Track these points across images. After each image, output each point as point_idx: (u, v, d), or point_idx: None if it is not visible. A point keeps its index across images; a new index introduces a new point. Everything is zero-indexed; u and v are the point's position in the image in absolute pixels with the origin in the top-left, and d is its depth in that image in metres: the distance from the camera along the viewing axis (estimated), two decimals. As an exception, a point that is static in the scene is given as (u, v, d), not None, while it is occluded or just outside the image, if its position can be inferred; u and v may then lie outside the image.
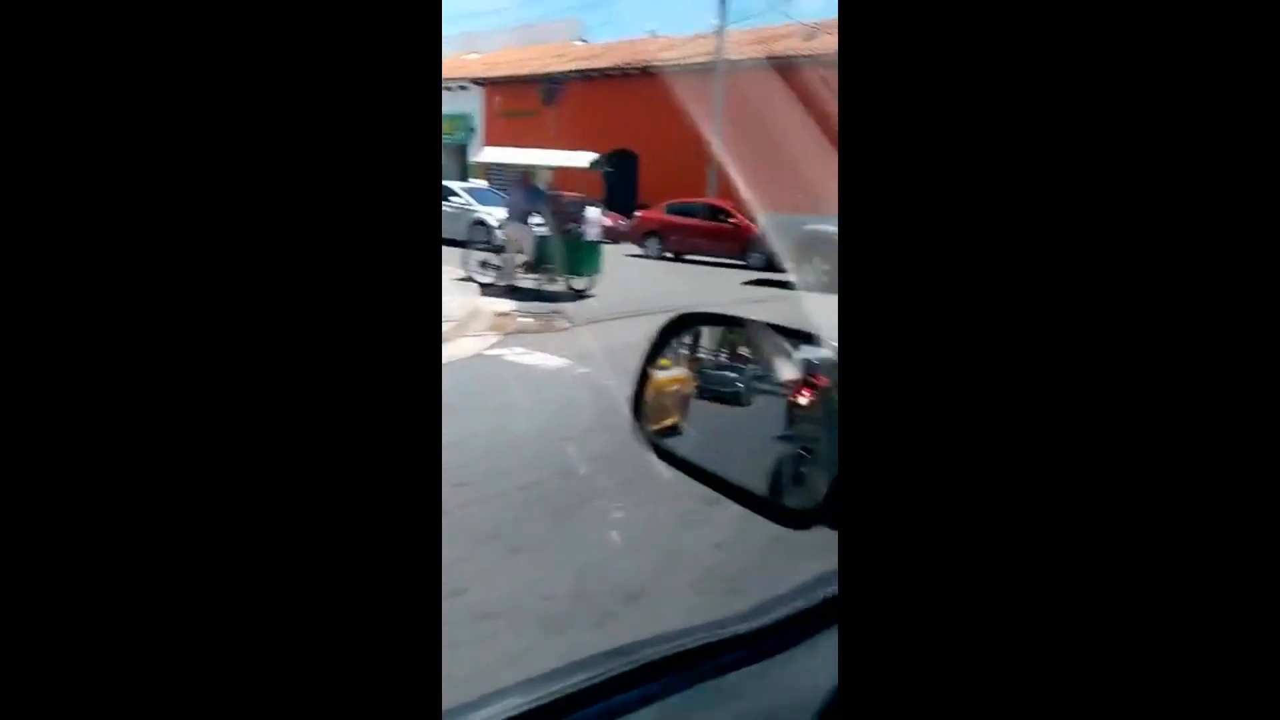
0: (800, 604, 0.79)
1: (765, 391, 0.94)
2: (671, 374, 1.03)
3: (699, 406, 1.03)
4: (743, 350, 1.03)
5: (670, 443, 0.99)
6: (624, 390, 1.07)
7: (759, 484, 0.83)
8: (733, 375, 1.03)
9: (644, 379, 1.02)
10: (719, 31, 11.48)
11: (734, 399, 1.01)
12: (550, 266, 9.89)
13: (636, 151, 14.07)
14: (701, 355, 1.06)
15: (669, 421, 1.02)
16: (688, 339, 1.07)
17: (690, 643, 0.72)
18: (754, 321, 0.97)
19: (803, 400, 0.84)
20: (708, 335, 1.06)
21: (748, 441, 0.91)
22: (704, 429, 1.00)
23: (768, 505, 0.80)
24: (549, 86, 15.60)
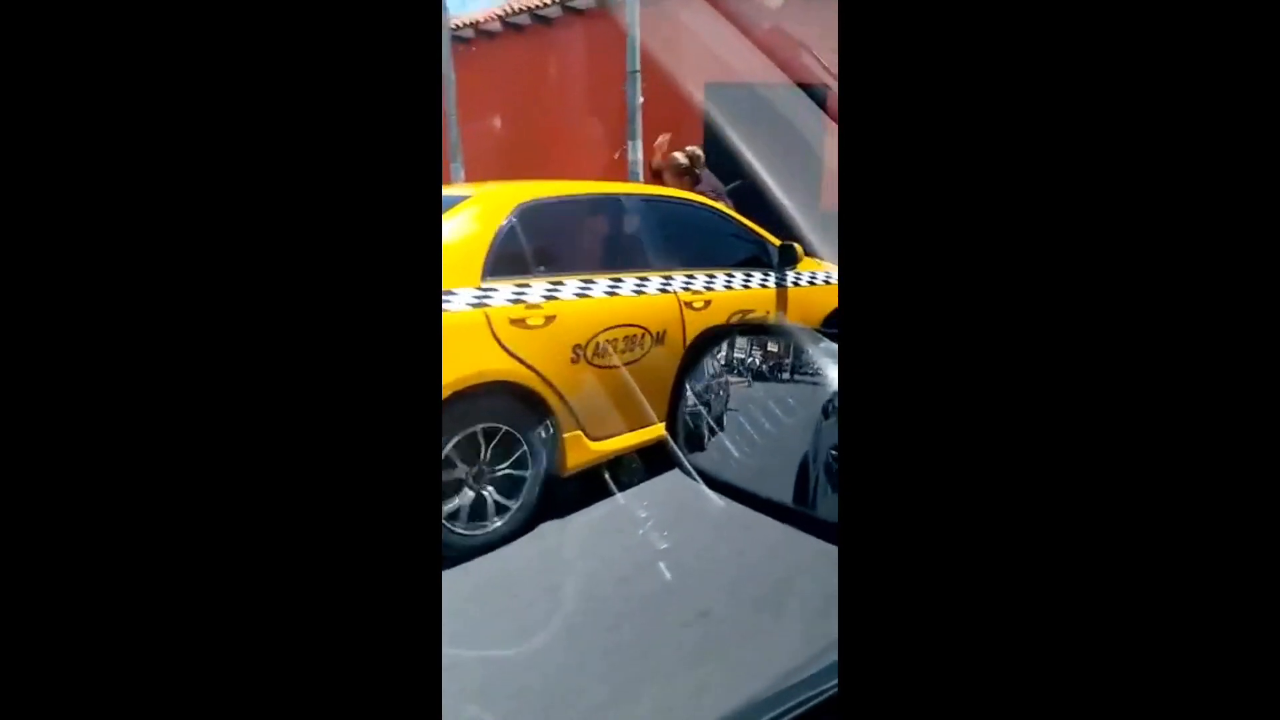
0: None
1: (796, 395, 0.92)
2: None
3: (729, 418, 1.01)
4: (777, 353, 1.02)
5: (700, 459, 0.97)
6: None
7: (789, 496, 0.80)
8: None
9: (679, 394, 1.00)
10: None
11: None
12: None
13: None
14: (737, 364, 1.05)
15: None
16: (721, 351, 1.06)
17: None
18: (786, 325, 0.94)
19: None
20: (741, 344, 1.05)
21: (780, 454, 0.87)
22: (735, 443, 0.98)
23: (802, 518, 0.77)
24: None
